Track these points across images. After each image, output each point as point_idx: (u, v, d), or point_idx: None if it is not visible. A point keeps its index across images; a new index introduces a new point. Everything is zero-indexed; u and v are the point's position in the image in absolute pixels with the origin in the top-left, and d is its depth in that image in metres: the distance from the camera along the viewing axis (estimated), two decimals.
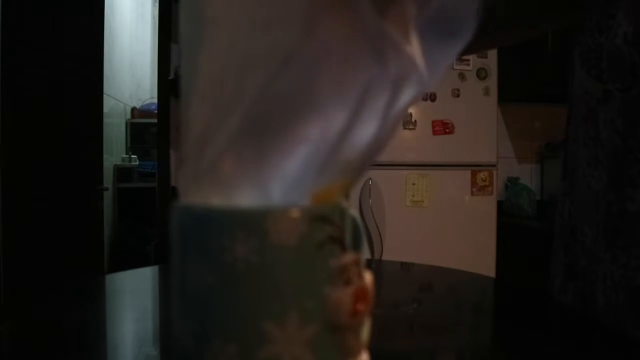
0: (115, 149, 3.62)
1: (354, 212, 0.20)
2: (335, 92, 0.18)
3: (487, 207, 2.06)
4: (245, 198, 0.18)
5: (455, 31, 0.19)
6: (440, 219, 2.03)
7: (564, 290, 0.51)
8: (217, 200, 0.19)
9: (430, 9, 0.19)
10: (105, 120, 2.91)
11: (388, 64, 0.18)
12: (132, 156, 3.81)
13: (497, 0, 0.52)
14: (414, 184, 2.02)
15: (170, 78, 2.30)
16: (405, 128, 1.97)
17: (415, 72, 0.18)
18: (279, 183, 0.18)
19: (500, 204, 2.21)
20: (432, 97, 2.00)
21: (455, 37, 0.19)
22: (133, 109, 4.01)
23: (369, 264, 0.52)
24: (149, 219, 3.23)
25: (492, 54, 2.02)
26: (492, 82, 2.05)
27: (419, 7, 0.19)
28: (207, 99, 0.18)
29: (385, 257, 1.94)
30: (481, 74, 2.04)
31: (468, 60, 2.01)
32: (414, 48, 0.18)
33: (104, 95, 2.82)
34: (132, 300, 0.58)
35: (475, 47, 0.66)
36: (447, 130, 2.03)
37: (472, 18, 0.18)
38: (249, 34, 0.17)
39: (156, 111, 2.49)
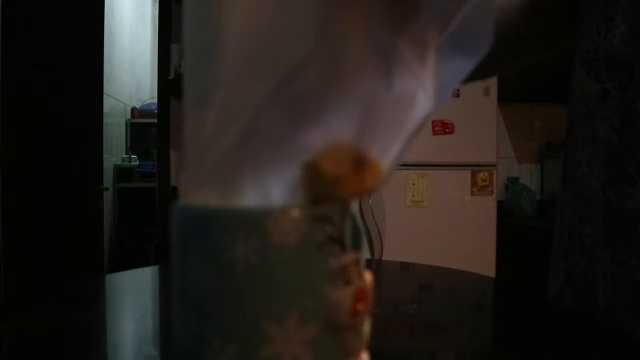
0: (115, 149, 3.62)
1: (354, 212, 0.20)
2: (339, 105, 0.18)
3: (487, 207, 2.07)
4: (246, 199, 0.18)
5: (472, 47, 0.19)
6: (440, 219, 2.03)
7: (564, 294, 0.51)
8: (217, 200, 0.19)
9: (451, 29, 0.19)
10: (105, 120, 2.90)
11: (393, 82, 0.18)
12: (132, 156, 3.81)
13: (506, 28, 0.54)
14: (413, 184, 2.02)
15: (170, 78, 2.30)
16: None
17: (423, 94, 0.19)
18: (280, 186, 0.18)
19: (500, 204, 2.21)
20: None
21: (472, 53, 0.19)
22: (133, 109, 4.01)
23: (369, 264, 0.52)
24: (149, 219, 3.23)
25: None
26: (492, 82, 2.05)
27: (440, 27, 0.19)
28: (213, 103, 0.18)
29: (385, 257, 1.94)
30: None
31: None
32: (426, 69, 0.19)
33: (104, 95, 2.82)
34: (132, 300, 0.58)
35: (479, 74, 0.67)
36: (447, 130, 2.03)
37: (488, 35, 0.19)
38: (260, 42, 0.17)
39: (156, 111, 2.49)
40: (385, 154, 0.19)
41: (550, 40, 0.58)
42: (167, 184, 2.30)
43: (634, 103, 0.41)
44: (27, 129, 2.24)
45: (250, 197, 0.18)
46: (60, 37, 2.36)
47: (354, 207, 0.20)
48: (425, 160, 1.99)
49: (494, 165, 2.08)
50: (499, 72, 0.69)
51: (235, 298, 0.18)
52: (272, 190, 0.18)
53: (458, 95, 1.99)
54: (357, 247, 0.19)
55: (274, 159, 0.18)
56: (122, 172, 3.66)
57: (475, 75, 0.21)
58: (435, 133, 2.02)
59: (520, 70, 0.63)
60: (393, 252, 1.97)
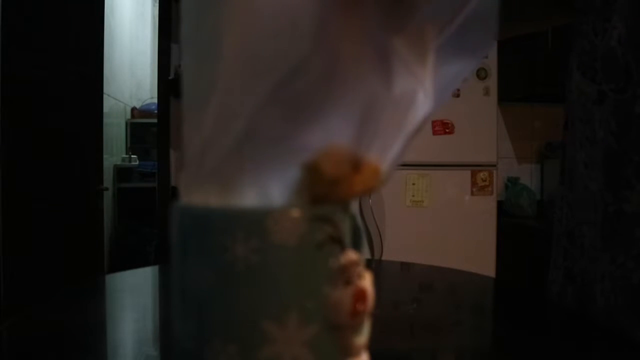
0: (115, 149, 3.62)
1: (354, 212, 0.20)
2: (338, 105, 0.18)
3: (487, 207, 2.06)
4: (246, 199, 0.18)
5: (473, 48, 0.19)
6: (440, 219, 2.03)
7: (563, 294, 0.51)
8: (217, 200, 0.19)
9: (451, 29, 0.19)
10: (105, 120, 2.90)
11: (392, 82, 0.18)
12: (132, 156, 3.81)
13: None
14: (414, 184, 2.02)
15: (170, 78, 2.30)
16: None
17: (423, 94, 0.19)
18: (280, 186, 0.18)
19: (500, 204, 2.21)
20: None
21: (473, 54, 0.19)
22: (133, 109, 4.01)
23: (369, 264, 0.52)
24: (149, 219, 3.23)
25: (492, 54, 2.02)
26: (492, 82, 2.05)
27: (439, 28, 0.19)
28: (212, 103, 0.18)
29: (385, 257, 1.94)
30: (481, 74, 2.04)
31: None
32: (426, 69, 0.19)
33: (104, 95, 2.82)
34: (132, 300, 0.58)
35: None
36: (447, 130, 2.03)
37: (490, 36, 0.18)
38: (258, 41, 0.17)
39: (156, 111, 2.49)
40: (384, 154, 0.19)
41: (542, 9, 0.57)
42: (167, 184, 2.30)
43: (631, 105, 0.41)
44: (27, 129, 2.24)
45: (250, 197, 0.18)
46: (60, 37, 2.36)
47: (354, 207, 0.20)
48: (425, 160, 1.99)
49: (494, 165, 2.08)
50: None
51: (235, 298, 0.18)
52: (272, 190, 0.18)
53: (458, 95, 1.99)
54: (357, 247, 0.19)
55: (274, 159, 0.18)
56: (122, 172, 3.66)
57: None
58: (435, 133, 2.02)
59: (507, 37, 0.62)
60: (393, 252, 1.96)
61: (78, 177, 2.48)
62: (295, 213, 0.18)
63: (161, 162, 2.31)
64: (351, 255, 0.19)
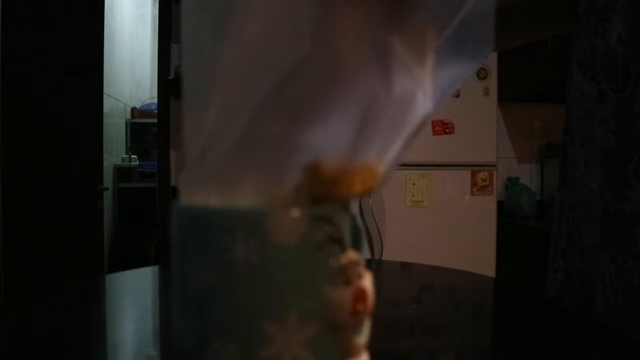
0: (115, 149, 3.62)
1: (354, 212, 0.20)
2: (338, 105, 0.18)
3: (487, 207, 2.07)
4: (246, 199, 0.18)
5: (472, 50, 0.19)
6: (440, 219, 2.03)
7: (562, 295, 0.51)
8: (217, 200, 0.19)
9: (449, 30, 0.19)
10: (105, 120, 2.90)
11: (392, 83, 0.18)
12: (132, 156, 3.81)
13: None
14: (414, 184, 2.02)
15: (170, 78, 2.30)
16: None
17: (422, 94, 0.19)
18: (279, 186, 0.18)
19: (500, 204, 2.21)
20: None
21: (472, 56, 0.19)
22: (133, 109, 4.01)
23: (369, 264, 0.52)
24: (149, 219, 3.23)
25: (492, 54, 2.02)
26: (492, 82, 2.06)
27: (438, 28, 0.19)
28: (212, 104, 0.18)
29: (385, 257, 1.94)
30: (481, 74, 2.05)
31: None
32: (425, 70, 0.19)
33: (104, 95, 2.82)
34: (132, 300, 0.58)
35: None
36: (447, 130, 2.03)
37: (489, 38, 0.19)
38: (259, 42, 0.17)
39: (156, 111, 2.49)
40: (384, 154, 0.19)
41: (544, 19, 0.57)
42: (167, 184, 2.30)
43: (630, 104, 0.41)
44: (27, 129, 2.24)
45: (250, 197, 0.18)
46: (60, 37, 2.36)
47: (354, 207, 0.20)
48: (425, 160, 1.99)
49: (494, 165, 2.08)
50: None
51: (235, 298, 0.18)
52: (272, 190, 0.18)
53: (458, 95, 1.99)
54: (357, 247, 0.19)
55: (274, 159, 0.18)
56: (122, 172, 3.66)
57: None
58: (435, 133, 2.02)
59: (510, 47, 0.62)
60: (393, 252, 1.97)
61: (78, 177, 2.48)
62: (295, 213, 0.18)
63: (161, 162, 2.31)
64: (351, 255, 0.19)
